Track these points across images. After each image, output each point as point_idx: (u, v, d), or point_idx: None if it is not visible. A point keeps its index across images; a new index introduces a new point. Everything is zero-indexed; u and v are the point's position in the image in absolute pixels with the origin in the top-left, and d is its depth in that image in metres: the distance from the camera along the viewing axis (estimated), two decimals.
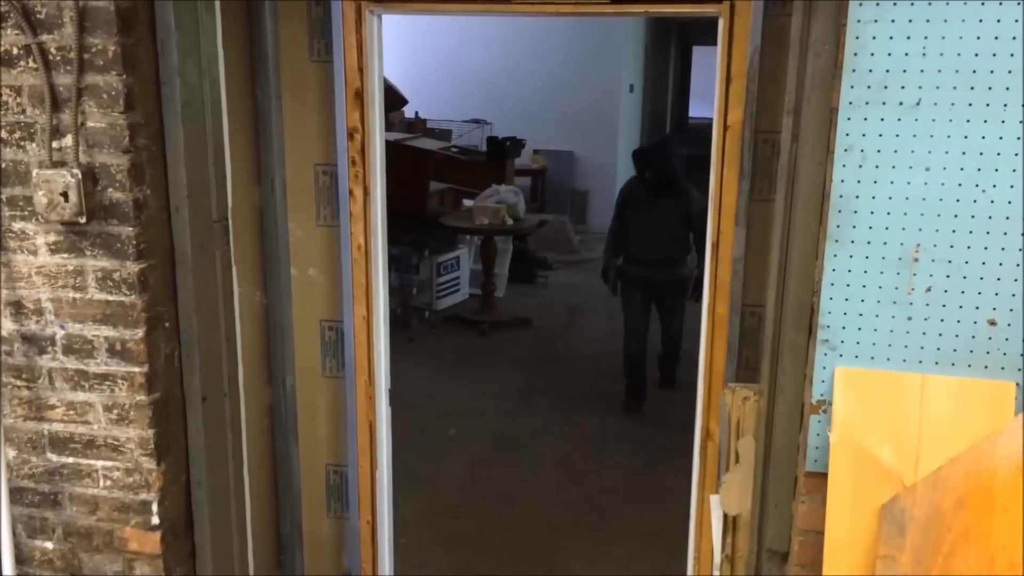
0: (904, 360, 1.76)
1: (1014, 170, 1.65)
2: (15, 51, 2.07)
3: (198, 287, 2.27)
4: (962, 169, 1.67)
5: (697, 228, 5.10)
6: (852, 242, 1.74)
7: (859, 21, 1.66)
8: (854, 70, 1.68)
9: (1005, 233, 1.67)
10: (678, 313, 5.63)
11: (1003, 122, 1.64)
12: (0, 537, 2.29)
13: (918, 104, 1.67)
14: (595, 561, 3.95)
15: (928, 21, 1.64)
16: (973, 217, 1.68)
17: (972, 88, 1.64)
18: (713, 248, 2.65)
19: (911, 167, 1.69)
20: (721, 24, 2.52)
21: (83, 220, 2.09)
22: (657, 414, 5.47)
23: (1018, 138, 1.64)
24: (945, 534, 1.71)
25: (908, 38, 1.65)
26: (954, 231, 1.69)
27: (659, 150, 5.64)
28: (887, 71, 1.67)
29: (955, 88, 1.65)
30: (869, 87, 1.68)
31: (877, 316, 1.76)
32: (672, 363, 5.92)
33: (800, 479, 1.89)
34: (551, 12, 2.63)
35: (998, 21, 1.61)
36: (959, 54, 1.63)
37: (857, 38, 1.67)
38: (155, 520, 2.29)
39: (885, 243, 1.72)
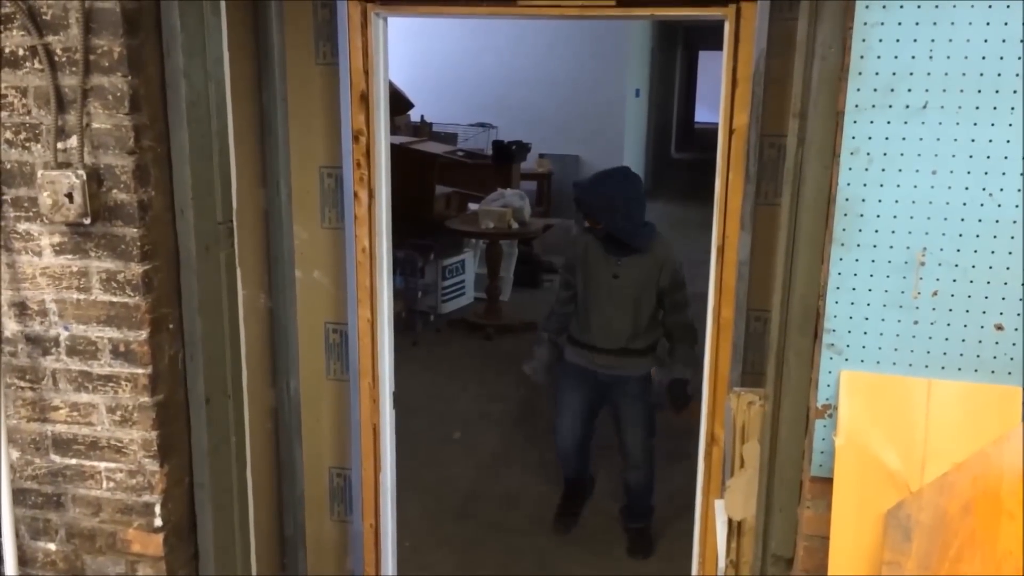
0: (910, 365, 1.75)
1: (1020, 174, 1.64)
2: (21, 52, 2.07)
3: (202, 289, 2.27)
4: (969, 173, 1.66)
5: (671, 300, 3.81)
6: (858, 246, 1.73)
7: (865, 24, 1.66)
8: (860, 73, 1.68)
9: (1012, 237, 1.66)
10: (641, 427, 3.97)
11: (1010, 125, 1.63)
12: (3, 538, 2.29)
13: (924, 107, 1.66)
14: (599, 565, 3.94)
15: (935, 24, 1.63)
16: (980, 221, 1.67)
17: (979, 91, 1.63)
18: (718, 252, 2.64)
19: (917, 170, 1.68)
20: (727, 27, 2.52)
21: (88, 221, 2.09)
22: (661, 418, 5.45)
23: None
24: (951, 540, 1.70)
25: (915, 41, 1.64)
26: (961, 235, 1.68)
27: (600, 194, 3.77)
28: (893, 74, 1.66)
29: (962, 91, 1.64)
30: (875, 90, 1.68)
31: (883, 320, 1.75)
32: (640, 517, 4.15)
33: (805, 484, 1.89)
34: (556, 14, 2.63)
35: (1005, 24, 1.60)
36: (966, 57, 1.63)
37: (863, 41, 1.66)
38: (158, 522, 2.29)
39: (891, 247, 1.72)
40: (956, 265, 1.70)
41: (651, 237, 3.80)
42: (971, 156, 1.65)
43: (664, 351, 3.97)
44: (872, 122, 1.69)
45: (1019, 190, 1.64)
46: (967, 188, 1.67)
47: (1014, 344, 1.70)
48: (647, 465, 4.07)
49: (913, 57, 1.65)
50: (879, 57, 1.66)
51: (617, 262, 3.78)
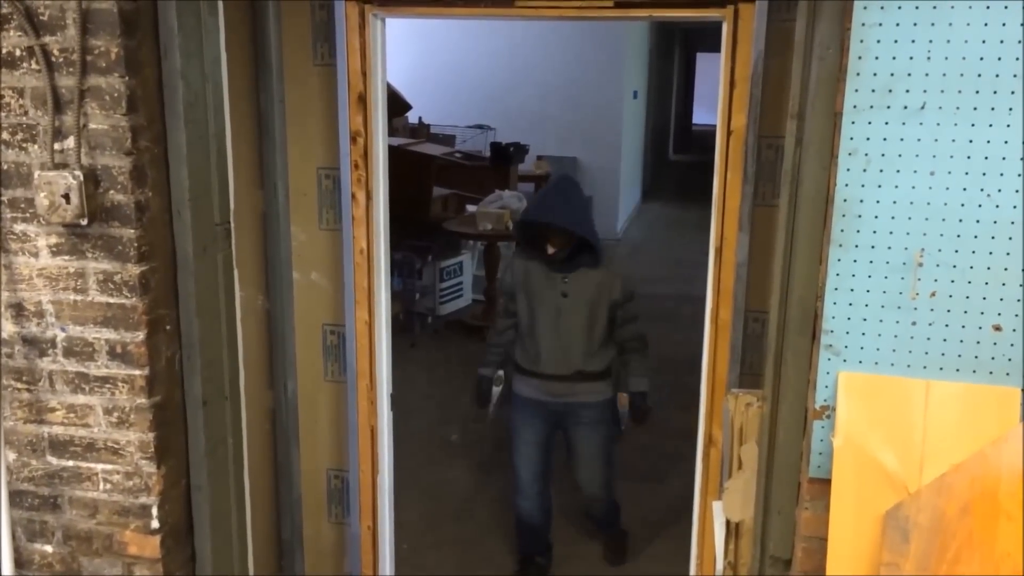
0: (908, 366, 1.75)
1: (1019, 175, 1.64)
2: (18, 53, 2.07)
3: (200, 290, 2.27)
4: (967, 173, 1.66)
5: (623, 312, 3.53)
6: (856, 247, 1.73)
7: (863, 25, 1.66)
8: (858, 74, 1.68)
9: (1010, 238, 1.66)
10: (600, 459, 3.69)
11: (1008, 126, 1.63)
12: (0, 540, 2.28)
13: (922, 108, 1.66)
14: (597, 567, 3.94)
15: (932, 25, 1.63)
16: (978, 222, 1.67)
17: (977, 92, 1.63)
18: (717, 253, 2.64)
19: (915, 171, 1.68)
20: (725, 28, 2.51)
21: (84, 222, 2.09)
22: (659, 420, 5.44)
23: (1022, 142, 1.63)
24: (949, 541, 1.69)
25: (913, 42, 1.64)
26: (959, 236, 1.68)
27: (560, 211, 3.42)
28: (891, 75, 1.66)
29: (960, 92, 1.64)
30: (873, 91, 1.68)
31: (881, 321, 1.75)
32: (609, 516, 3.98)
33: (803, 485, 1.88)
34: (554, 16, 2.62)
35: (1003, 25, 1.60)
36: (964, 58, 1.63)
37: (861, 42, 1.66)
38: (155, 524, 2.29)
39: (889, 248, 1.72)
40: (954, 266, 1.70)
41: (600, 251, 3.49)
42: (969, 157, 1.66)
43: (619, 370, 3.69)
44: (870, 123, 1.69)
45: (1017, 191, 1.65)
46: (965, 189, 1.67)
47: (1012, 345, 1.70)
48: (608, 498, 3.80)
49: (911, 58, 1.65)
50: (877, 58, 1.66)
51: (564, 279, 3.46)
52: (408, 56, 9.69)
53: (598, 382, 3.57)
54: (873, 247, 1.72)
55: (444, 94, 10.16)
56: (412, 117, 9.12)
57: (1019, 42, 1.60)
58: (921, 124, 1.67)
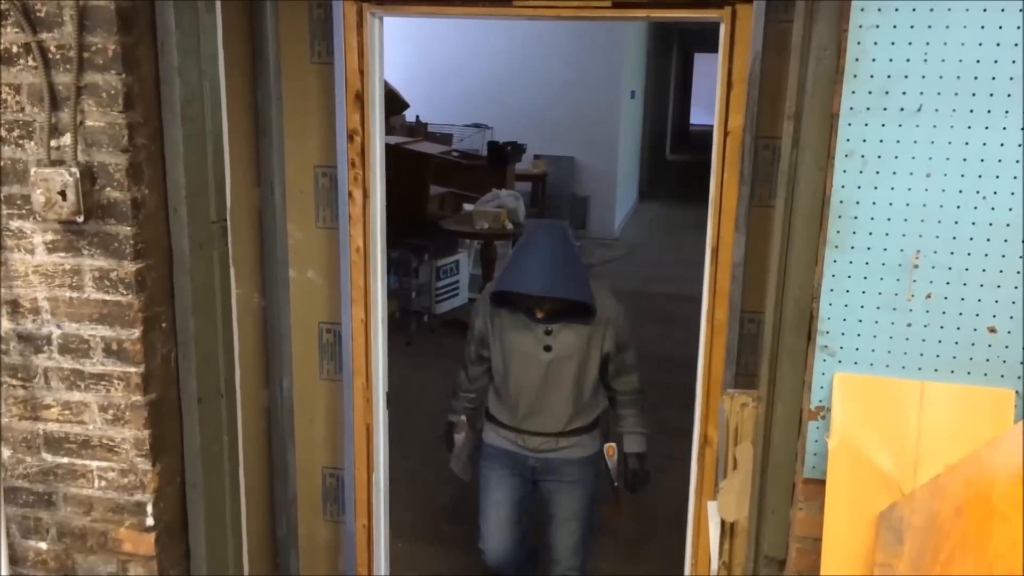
0: (903, 367, 1.75)
1: (1015, 177, 1.64)
2: (15, 49, 2.06)
3: (195, 288, 2.26)
4: (963, 176, 1.66)
5: (617, 363, 3.06)
6: (852, 248, 1.73)
7: (861, 27, 1.66)
8: (855, 76, 1.68)
9: (1006, 240, 1.67)
10: (578, 522, 3.14)
11: (1004, 129, 1.63)
12: None
13: (919, 110, 1.66)
14: (592, 567, 3.94)
15: (930, 27, 1.63)
16: (974, 224, 1.67)
17: (973, 95, 1.63)
18: (713, 253, 2.64)
19: (912, 173, 1.68)
20: (722, 29, 2.52)
21: (81, 219, 2.08)
22: (654, 419, 5.45)
23: (1019, 145, 1.63)
24: (943, 542, 1.70)
25: (910, 44, 1.64)
26: (954, 238, 1.69)
27: (548, 273, 2.84)
28: (888, 77, 1.66)
29: (956, 94, 1.64)
30: (870, 93, 1.68)
31: (877, 322, 1.75)
32: None
33: (798, 486, 1.89)
34: (552, 15, 2.62)
35: (1000, 28, 1.60)
36: (960, 60, 1.63)
37: (859, 44, 1.67)
38: (150, 521, 2.28)
39: (885, 249, 1.72)
40: (950, 268, 1.70)
41: (593, 295, 2.92)
42: (965, 159, 1.66)
43: (609, 420, 3.21)
44: (867, 124, 1.69)
45: (1013, 193, 1.65)
46: (961, 191, 1.67)
47: (1007, 347, 1.70)
48: (580, 568, 3.22)
49: (908, 60, 1.65)
50: (874, 59, 1.66)
51: (547, 331, 2.94)
52: (406, 55, 9.69)
53: (585, 435, 3.08)
54: (869, 248, 1.73)
55: (442, 93, 10.16)
56: (409, 116, 9.12)
57: (1016, 45, 1.61)
58: (918, 126, 1.67)
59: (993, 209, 1.66)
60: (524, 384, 3.00)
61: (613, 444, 3.19)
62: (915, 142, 1.67)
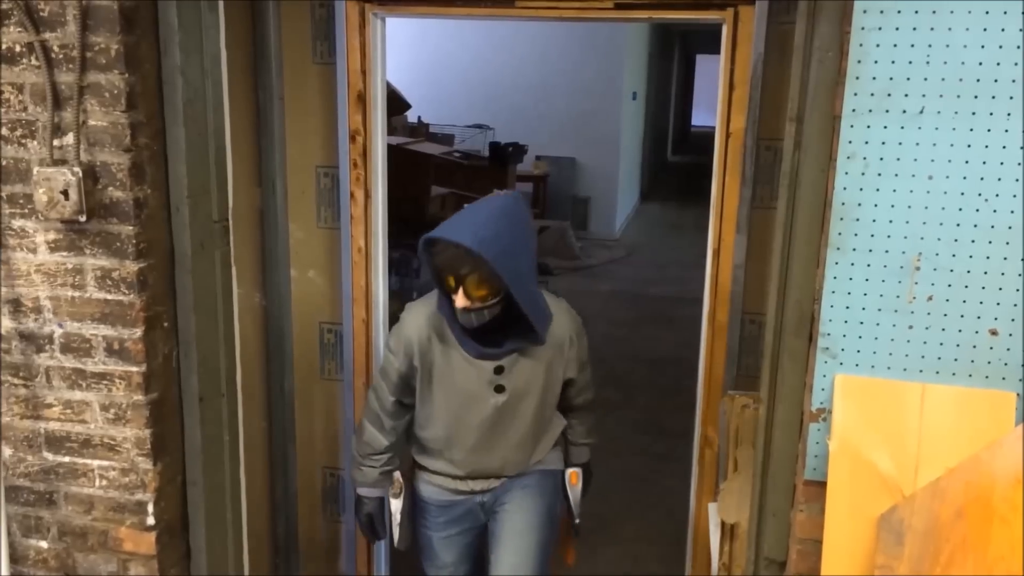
0: (904, 369, 1.75)
1: (1016, 179, 1.64)
2: (18, 49, 2.06)
3: (197, 287, 2.27)
4: (964, 178, 1.66)
5: (578, 385, 2.53)
6: (853, 250, 1.74)
7: (863, 29, 1.66)
8: (857, 78, 1.68)
9: (1007, 243, 1.67)
10: (532, 524, 2.51)
11: (1006, 131, 1.63)
12: None
13: (921, 112, 1.66)
14: (591, 568, 3.94)
15: (932, 29, 1.63)
16: (975, 226, 1.68)
17: (975, 97, 1.64)
18: (714, 255, 2.64)
19: (913, 175, 1.68)
20: (725, 31, 2.52)
21: (83, 218, 2.08)
22: (655, 421, 5.46)
23: (1021, 147, 1.63)
24: (943, 545, 1.70)
25: (912, 46, 1.64)
26: (956, 240, 1.69)
27: (482, 228, 2.10)
28: (891, 79, 1.67)
29: (958, 97, 1.64)
30: (872, 95, 1.68)
31: (878, 324, 1.75)
32: None
33: (799, 488, 1.89)
34: (554, 16, 2.63)
35: (1002, 30, 1.60)
36: (963, 63, 1.63)
37: (861, 46, 1.67)
38: (150, 520, 2.28)
39: (887, 251, 1.72)
40: (951, 270, 1.70)
41: (540, 312, 2.26)
42: (967, 161, 1.66)
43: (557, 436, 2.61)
44: (869, 127, 1.69)
45: (1015, 195, 1.65)
46: (963, 193, 1.67)
47: (1008, 349, 1.70)
48: None
49: (910, 62, 1.65)
50: (876, 62, 1.66)
51: (496, 369, 2.29)
52: (408, 55, 9.69)
53: (542, 457, 2.56)
54: (871, 251, 1.73)
55: (443, 94, 10.16)
56: (411, 116, 9.12)
57: (1018, 47, 1.61)
58: (920, 128, 1.67)
59: (995, 211, 1.66)
60: (464, 430, 2.38)
61: (578, 471, 2.65)
62: (917, 144, 1.67)
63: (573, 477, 2.65)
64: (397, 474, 2.57)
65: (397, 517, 2.58)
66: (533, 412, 2.40)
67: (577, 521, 2.68)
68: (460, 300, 2.15)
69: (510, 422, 2.38)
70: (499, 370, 2.31)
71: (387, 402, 2.45)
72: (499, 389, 2.33)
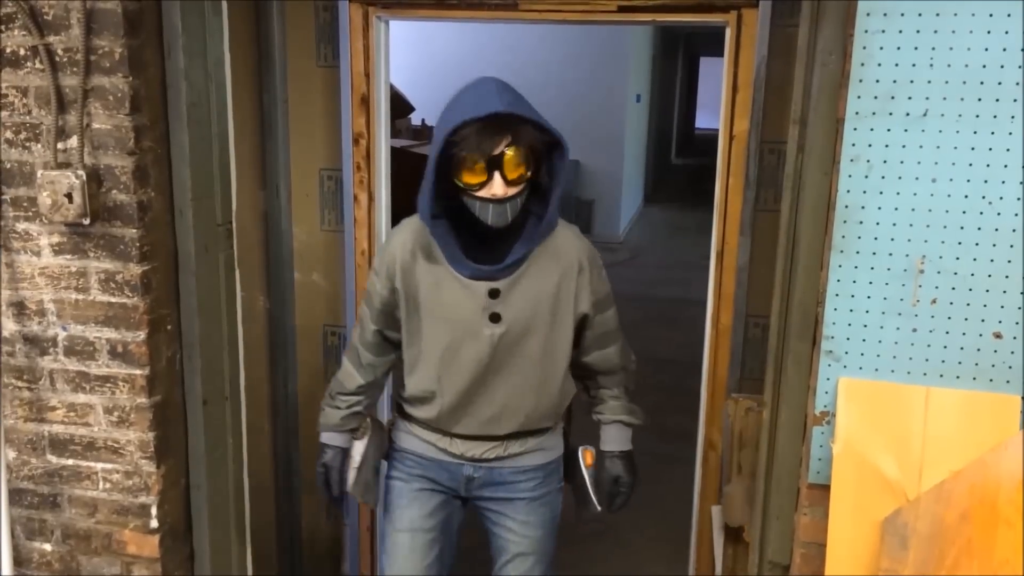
0: (908, 372, 1.75)
1: (1020, 182, 1.64)
2: (22, 52, 2.07)
3: (201, 290, 2.27)
4: (968, 180, 1.66)
5: (597, 330, 2.13)
6: (857, 252, 1.73)
7: (866, 31, 1.66)
8: (861, 80, 1.68)
9: (1011, 245, 1.67)
10: (537, 544, 2.22)
11: (1010, 134, 1.63)
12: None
13: (925, 115, 1.66)
14: (594, 571, 3.94)
15: (936, 32, 1.63)
16: (979, 229, 1.67)
17: (979, 99, 1.63)
18: (718, 257, 2.64)
19: (917, 178, 1.68)
20: (728, 34, 2.52)
21: (87, 221, 2.09)
22: (657, 424, 5.45)
23: None
24: (948, 548, 1.69)
25: (915, 48, 1.64)
26: (960, 243, 1.68)
27: (509, 96, 1.90)
28: (894, 81, 1.66)
29: (962, 99, 1.64)
30: (876, 97, 1.68)
31: (882, 327, 1.75)
32: None
33: (802, 491, 1.88)
34: (558, 19, 2.63)
35: (1006, 32, 1.60)
36: (966, 65, 1.63)
37: (864, 48, 1.67)
38: (154, 523, 2.29)
39: (890, 254, 1.72)
40: (955, 273, 1.70)
41: (552, 219, 2.00)
42: (971, 164, 1.66)
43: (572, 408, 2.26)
44: (872, 129, 1.69)
45: (1018, 198, 1.65)
46: (967, 196, 1.67)
47: (1012, 352, 1.70)
48: None
49: (914, 65, 1.65)
50: (880, 64, 1.66)
51: (491, 289, 1.97)
52: (412, 58, 9.70)
53: (545, 435, 2.17)
54: (874, 253, 1.73)
55: (447, 96, 10.15)
56: (415, 119, 9.13)
57: (1021, 50, 1.60)
58: (923, 131, 1.67)
59: (999, 214, 1.66)
60: (456, 370, 2.02)
61: (591, 448, 2.26)
62: (920, 147, 1.67)
63: (586, 456, 2.24)
64: (367, 419, 2.25)
65: (356, 459, 2.21)
66: (538, 353, 2.02)
67: (599, 509, 2.24)
68: (499, 187, 1.84)
69: (506, 360, 2.01)
70: (494, 293, 1.96)
71: (368, 331, 2.14)
72: (495, 318, 1.97)
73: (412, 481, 2.19)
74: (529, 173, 1.89)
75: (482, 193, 1.86)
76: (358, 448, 2.23)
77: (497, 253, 1.94)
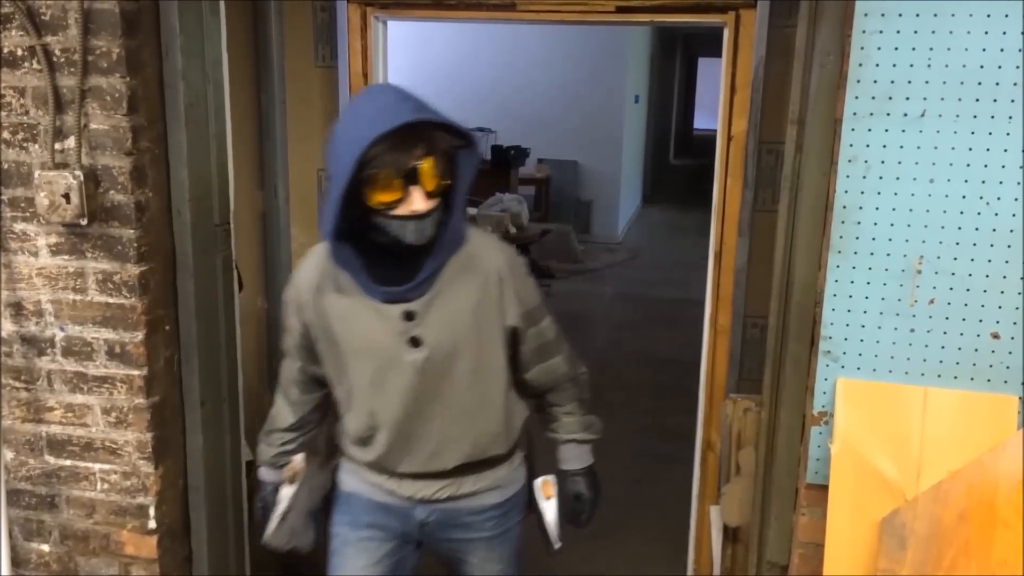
0: (906, 372, 1.75)
1: (1018, 182, 1.64)
2: (19, 52, 2.07)
3: (199, 291, 2.27)
4: (966, 181, 1.66)
5: (534, 344, 1.95)
6: (855, 253, 1.73)
7: (864, 32, 1.66)
8: (859, 81, 1.68)
9: (1009, 246, 1.67)
10: None
11: (1008, 134, 1.63)
12: None
13: (922, 115, 1.66)
14: (593, 569, 3.94)
15: (933, 32, 1.63)
16: (977, 229, 1.67)
17: (977, 100, 1.63)
18: (716, 258, 2.64)
19: (915, 178, 1.68)
20: (726, 34, 2.52)
21: (84, 222, 2.09)
22: (656, 424, 5.45)
23: (1022, 150, 1.63)
24: (946, 548, 1.69)
25: (913, 49, 1.64)
26: (957, 243, 1.69)
27: (414, 103, 1.71)
28: (892, 82, 1.66)
29: (960, 100, 1.64)
30: (873, 98, 1.68)
31: (879, 328, 1.75)
32: None
33: (801, 491, 1.88)
34: (556, 20, 2.63)
35: (1003, 33, 1.60)
36: (964, 66, 1.63)
37: (862, 49, 1.67)
38: (152, 524, 2.28)
39: (888, 254, 1.72)
40: (953, 273, 1.70)
41: (460, 228, 1.81)
42: (968, 164, 1.66)
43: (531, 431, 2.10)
44: (870, 130, 1.69)
45: (1016, 199, 1.65)
46: (964, 196, 1.67)
47: (1010, 353, 1.70)
48: None
49: (912, 65, 1.65)
50: (878, 65, 1.66)
51: (406, 311, 1.79)
52: (409, 58, 9.70)
53: (501, 466, 2.00)
54: (872, 254, 1.73)
55: (445, 97, 10.11)
56: None
57: (1019, 50, 1.61)
58: (921, 131, 1.67)
59: (996, 215, 1.66)
60: (386, 403, 1.86)
61: (551, 479, 2.08)
62: (918, 147, 1.67)
63: (546, 488, 2.07)
64: (298, 457, 2.08)
65: (282, 505, 2.04)
66: (469, 376, 1.86)
67: (557, 546, 2.10)
68: (418, 202, 1.68)
69: (440, 388, 1.85)
70: (409, 316, 1.79)
71: (291, 368, 2.01)
72: (415, 343, 1.81)
73: (358, 529, 2.04)
74: (447, 181, 1.75)
75: (399, 211, 1.69)
76: (285, 494, 2.06)
77: (407, 272, 1.77)
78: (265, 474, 2.12)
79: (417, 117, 1.66)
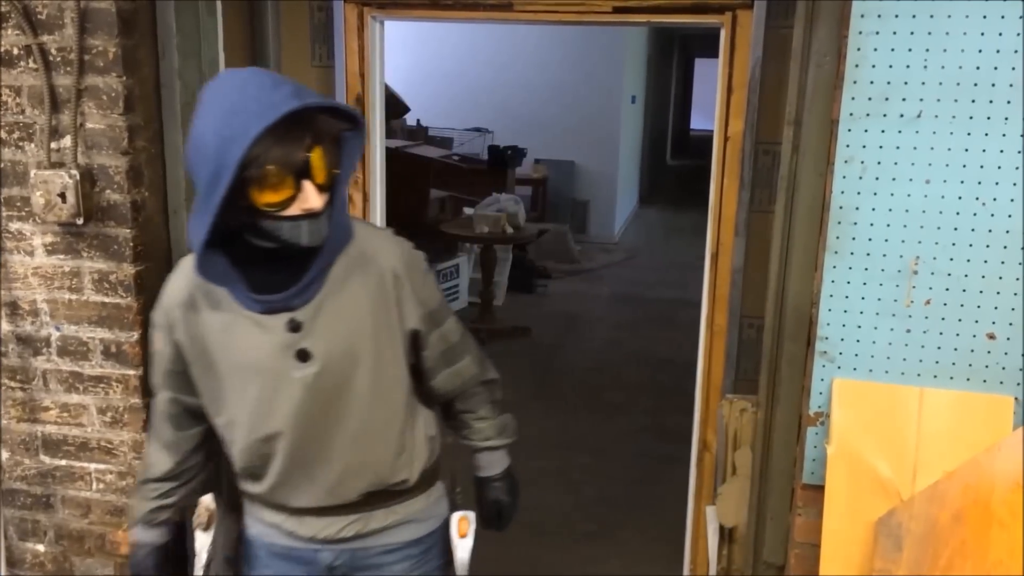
0: (903, 373, 1.75)
1: (1014, 183, 1.64)
2: (15, 51, 2.06)
3: None
4: (962, 182, 1.67)
5: (440, 348, 1.77)
6: (851, 254, 1.73)
7: (861, 33, 1.66)
8: (855, 82, 1.68)
9: (1005, 246, 1.67)
10: None
11: (1004, 135, 1.63)
12: None
13: (919, 116, 1.66)
14: (590, 571, 3.94)
15: (930, 34, 1.63)
16: (973, 230, 1.68)
17: (973, 101, 1.64)
18: (712, 259, 2.64)
19: (911, 179, 1.68)
20: (723, 35, 2.52)
21: (80, 221, 2.08)
22: (655, 424, 5.46)
23: (1018, 151, 1.63)
24: (942, 549, 1.70)
25: (910, 50, 1.65)
26: (954, 244, 1.69)
27: (289, 89, 1.44)
28: (888, 83, 1.67)
29: (956, 101, 1.64)
30: (870, 99, 1.68)
31: (876, 328, 1.75)
32: None
33: (797, 491, 1.89)
34: (553, 20, 2.63)
35: (1000, 34, 1.61)
36: (960, 67, 1.63)
37: (859, 50, 1.67)
38: None
39: (884, 255, 1.72)
40: (949, 274, 1.70)
41: (345, 222, 1.60)
42: (965, 165, 1.66)
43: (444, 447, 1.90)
44: (867, 130, 1.69)
45: (1012, 199, 1.65)
46: (960, 197, 1.67)
47: (1006, 353, 1.70)
48: None
49: (908, 66, 1.65)
50: (874, 66, 1.66)
51: (291, 321, 1.58)
52: (406, 58, 9.70)
53: (415, 497, 1.80)
54: (868, 254, 1.73)
55: (442, 97, 10.16)
56: (410, 119, 9.13)
57: (1016, 51, 1.61)
58: (917, 132, 1.67)
59: (993, 215, 1.66)
60: (275, 428, 1.63)
61: (469, 515, 1.91)
62: (915, 148, 1.68)
63: (461, 525, 1.89)
64: (207, 498, 1.86)
65: (203, 557, 1.83)
66: (369, 389, 1.65)
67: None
68: (312, 199, 1.48)
69: (336, 406, 1.63)
70: (295, 326, 1.58)
71: (162, 402, 1.72)
72: (303, 356, 1.59)
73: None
74: (336, 171, 1.54)
75: (291, 211, 1.47)
76: (203, 542, 1.85)
77: (288, 276, 1.55)
78: (140, 534, 1.76)
79: (303, 103, 1.43)
